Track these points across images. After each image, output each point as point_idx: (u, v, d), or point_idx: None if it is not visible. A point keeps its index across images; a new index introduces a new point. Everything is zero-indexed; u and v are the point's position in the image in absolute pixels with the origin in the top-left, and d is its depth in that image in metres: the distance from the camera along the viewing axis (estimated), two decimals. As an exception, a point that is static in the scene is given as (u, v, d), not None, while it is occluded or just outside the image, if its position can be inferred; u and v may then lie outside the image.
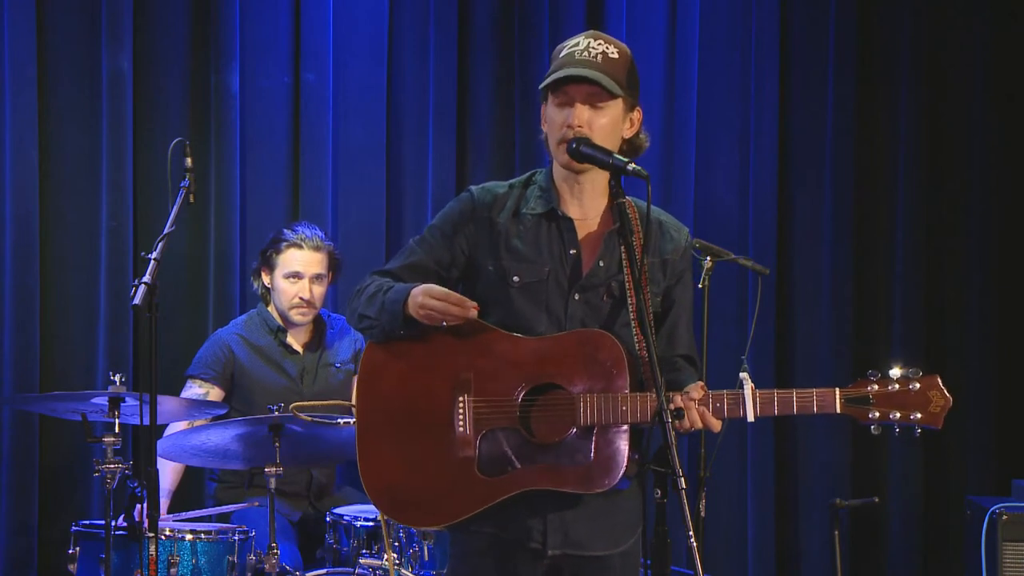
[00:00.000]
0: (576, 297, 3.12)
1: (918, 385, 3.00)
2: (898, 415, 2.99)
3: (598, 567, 3.14)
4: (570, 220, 3.15)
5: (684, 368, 3.21)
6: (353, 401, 3.25)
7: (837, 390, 3.01)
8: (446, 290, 3.05)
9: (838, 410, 3.00)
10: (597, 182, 3.15)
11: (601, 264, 3.13)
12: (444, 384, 3.10)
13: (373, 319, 3.12)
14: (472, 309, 3.03)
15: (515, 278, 3.12)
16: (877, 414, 2.99)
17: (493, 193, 3.20)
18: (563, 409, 3.04)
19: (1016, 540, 5.06)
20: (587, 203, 3.17)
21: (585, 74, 3.05)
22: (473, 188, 3.23)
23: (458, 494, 3.07)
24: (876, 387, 3.00)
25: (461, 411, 3.07)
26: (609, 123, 3.09)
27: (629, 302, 3.06)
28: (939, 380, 3.00)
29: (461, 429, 3.07)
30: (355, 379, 4.94)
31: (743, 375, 2.99)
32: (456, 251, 3.17)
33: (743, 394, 2.98)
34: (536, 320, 3.11)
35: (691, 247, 3.29)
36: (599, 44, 3.09)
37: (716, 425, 3.00)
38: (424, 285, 3.07)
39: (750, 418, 2.99)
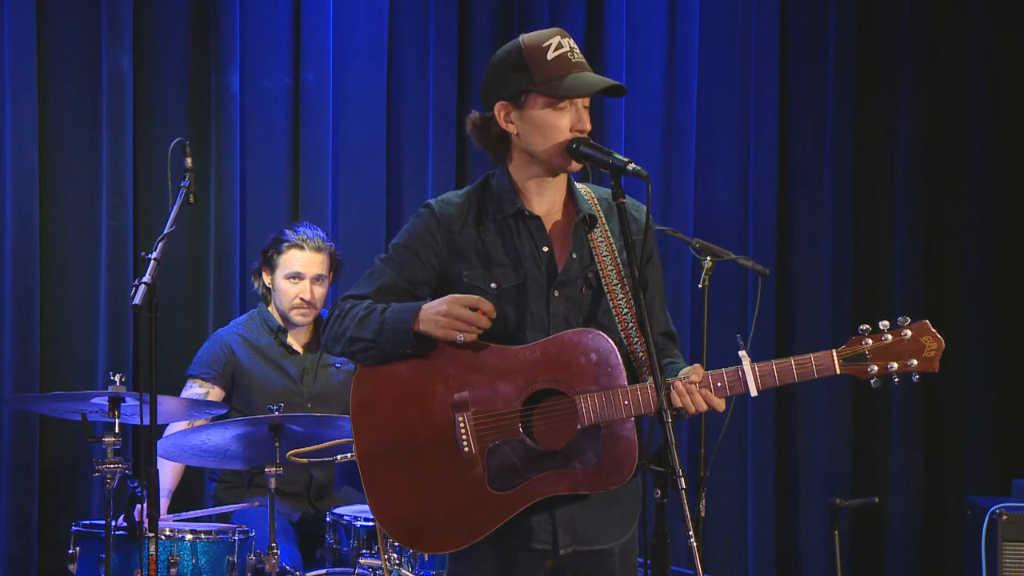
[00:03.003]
0: (556, 294, 3.10)
1: (910, 333, 3.01)
2: (895, 366, 3.01)
3: (602, 561, 3.13)
4: (538, 218, 3.12)
5: (667, 346, 3.22)
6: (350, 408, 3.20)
7: (834, 351, 3.02)
8: (476, 297, 3.02)
9: (837, 371, 3.01)
10: (561, 176, 3.15)
11: (574, 256, 3.12)
12: (441, 406, 3.06)
13: (369, 340, 3.06)
14: (491, 312, 3.02)
15: (492, 285, 3.09)
16: (875, 368, 3.01)
17: (453, 204, 3.15)
18: (564, 413, 3.02)
19: (1016, 540, 5.06)
20: (551, 199, 3.15)
21: (612, 82, 3.08)
22: (431, 202, 3.18)
23: (474, 513, 3.03)
24: (870, 341, 3.02)
25: (463, 430, 3.03)
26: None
27: (608, 300, 3.06)
28: (929, 324, 3.02)
29: (466, 448, 3.03)
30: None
31: (741, 352, 2.99)
32: (427, 268, 3.12)
33: (742, 369, 2.98)
34: (520, 323, 3.08)
35: (653, 225, 3.27)
36: (573, 43, 3.08)
37: (720, 404, 2.99)
38: (448, 296, 3.02)
39: (753, 392, 2.99)
